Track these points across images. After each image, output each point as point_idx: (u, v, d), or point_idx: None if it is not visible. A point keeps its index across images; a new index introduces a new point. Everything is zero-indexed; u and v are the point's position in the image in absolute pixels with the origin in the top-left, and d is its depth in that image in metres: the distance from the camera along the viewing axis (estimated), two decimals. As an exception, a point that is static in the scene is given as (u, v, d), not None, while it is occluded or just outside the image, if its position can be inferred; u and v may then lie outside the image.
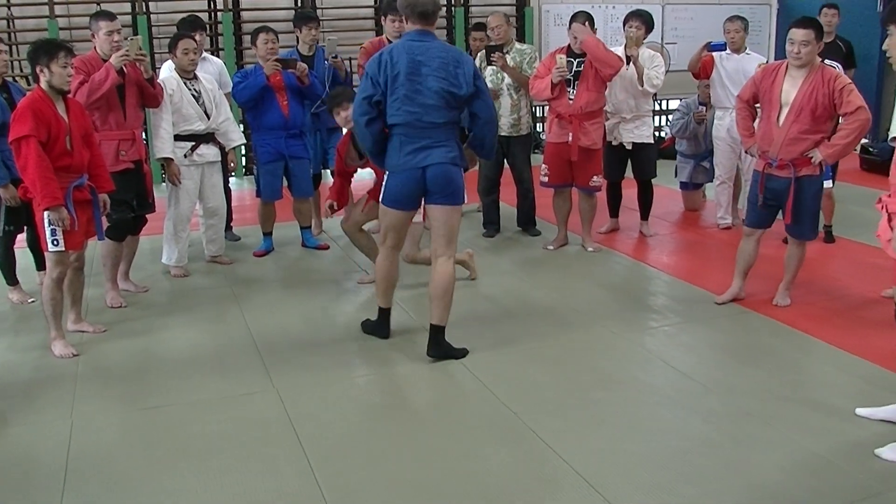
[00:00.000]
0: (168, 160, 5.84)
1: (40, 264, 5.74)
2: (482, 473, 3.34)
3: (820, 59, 4.90)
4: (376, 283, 4.76)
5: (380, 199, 4.54)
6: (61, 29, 9.05)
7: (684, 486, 3.21)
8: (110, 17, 5.37)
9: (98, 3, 9.14)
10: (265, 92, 6.30)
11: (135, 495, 3.25)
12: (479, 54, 6.93)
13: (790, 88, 4.84)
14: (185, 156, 5.93)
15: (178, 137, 5.90)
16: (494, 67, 6.66)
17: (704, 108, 7.37)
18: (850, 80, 4.82)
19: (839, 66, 6.40)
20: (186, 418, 3.88)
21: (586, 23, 6.19)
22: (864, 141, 10.19)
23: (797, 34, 4.75)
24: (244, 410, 3.95)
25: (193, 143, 5.97)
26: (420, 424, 3.81)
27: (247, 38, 9.67)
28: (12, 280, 5.61)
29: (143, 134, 5.83)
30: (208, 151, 6.07)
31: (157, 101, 5.62)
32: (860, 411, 3.74)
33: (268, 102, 6.36)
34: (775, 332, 4.82)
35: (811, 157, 4.84)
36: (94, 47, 5.33)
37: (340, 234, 7.10)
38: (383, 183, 4.51)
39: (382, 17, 6.98)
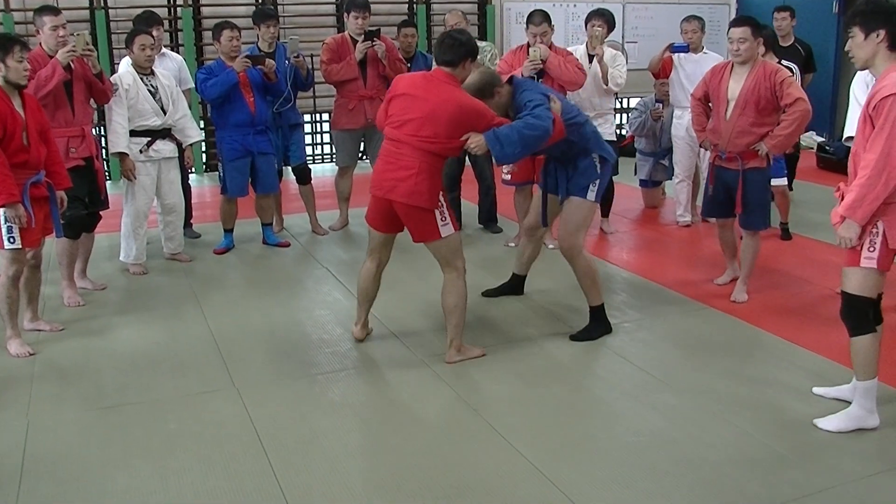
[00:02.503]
0: (123, 155, 5.79)
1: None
2: (441, 470, 3.35)
3: (777, 60, 5.06)
4: None
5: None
6: (17, 23, 8.91)
7: (641, 481, 3.25)
8: (55, 11, 5.29)
9: (55, -2, 9.01)
10: (232, 89, 6.27)
11: (92, 495, 3.22)
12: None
13: (735, 85, 5.15)
14: (141, 151, 5.88)
15: (133, 133, 5.84)
16: None
17: (661, 105, 7.45)
18: (792, 75, 5.12)
19: (796, 68, 6.52)
20: (144, 417, 3.85)
21: (544, 23, 6.21)
22: (820, 140, 10.37)
23: (735, 32, 5.10)
24: (203, 409, 3.93)
25: (149, 139, 5.92)
26: (379, 422, 3.81)
27: (207, 35, 9.63)
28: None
29: (95, 130, 5.75)
30: (164, 147, 6.02)
31: (107, 97, 5.56)
32: (816, 390, 3.96)
33: (234, 100, 6.33)
34: (732, 327, 4.89)
35: (757, 150, 5.10)
36: (40, 43, 5.26)
37: (302, 231, 7.11)
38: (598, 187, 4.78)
39: (345, 14, 6.96)
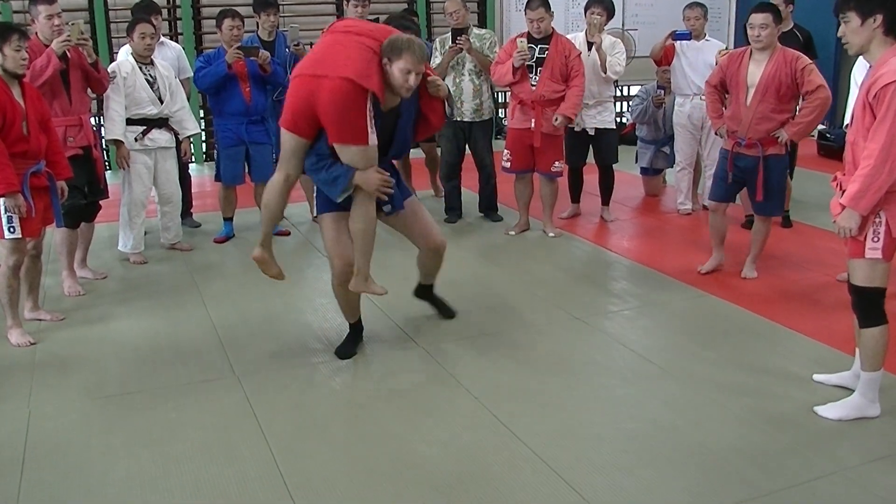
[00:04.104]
0: (118, 143, 5.79)
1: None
2: (441, 457, 3.36)
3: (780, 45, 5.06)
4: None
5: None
6: (15, 12, 8.89)
7: (641, 468, 3.26)
8: (49, 1, 5.27)
9: (54, -14, 8.97)
10: (227, 79, 6.26)
11: (93, 483, 3.23)
12: (438, 38, 6.92)
13: (755, 70, 5.13)
14: (136, 139, 5.88)
15: (130, 121, 5.85)
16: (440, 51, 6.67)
17: (663, 91, 7.43)
18: (812, 63, 5.09)
19: (797, 54, 6.49)
20: (145, 406, 3.86)
21: (540, 8, 6.20)
22: (821, 127, 10.34)
23: (756, 18, 5.06)
24: (204, 397, 3.93)
25: (145, 128, 5.91)
26: (380, 409, 3.81)
27: (206, 23, 9.62)
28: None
29: (93, 120, 5.73)
30: (160, 137, 6.02)
31: (103, 86, 5.55)
32: (817, 377, 3.95)
33: (230, 89, 6.32)
34: (732, 315, 4.89)
35: (777, 137, 5.11)
36: (35, 33, 5.24)
37: (302, 220, 7.11)
38: None
39: (345, 2, 6.94)
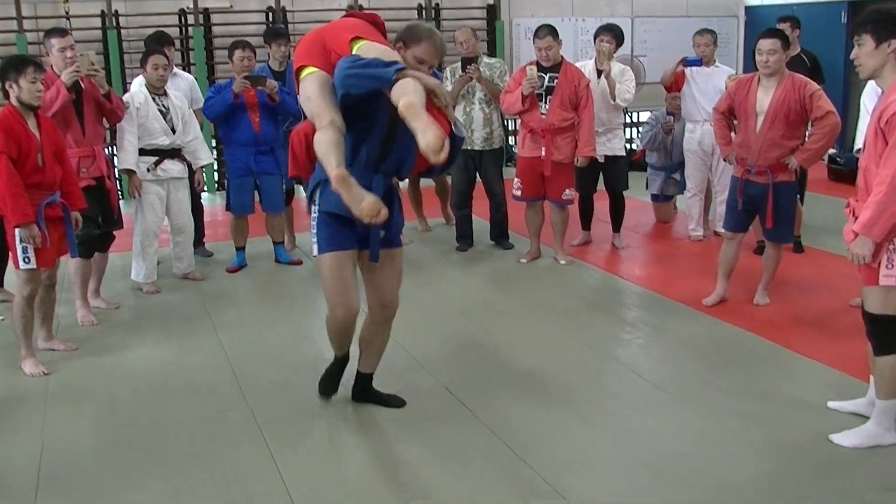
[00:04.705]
0: (130, 172, 5.83)
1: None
2: (455, 487, 3.34)
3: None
4: None
5: None
6: (30, 44, 8.99)
7: (657, 498, 3.24)
8: (62, 33, 5.34)
9: (67, 17, 9.09)
10: (236, 108, 6.30)
11: (107, 515, 3.23)
12: (448, 67, 6.96)
13: (763, 97, 5.09)
14: (148, 170, 5.92)
15: (142, 151, 5.89)
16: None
17: (672, 118, 7.44)
18: (820, 88, 5.07)
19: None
20: (158, 436, 3.85)
21: (548, 36, 6.24)
22: (831, 151, 10.34)
23: (764, 44, 5.02)
24: (216, 427, 3.93)
25: (157, 158, 5.95)
26: (392, 438, 3.80)
27: (218, 53, 9.69)
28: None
29: (107, 150, 5.78)
30: (173, 167, 6.06)
31: (117, 116, 5.59)
32: (831, 404, 3.92)
33: (239, 118, 6.37)
34: (745, 342, 4.87)
35: (787, 164, 5.08)
36: (51, 65, 5.29)
37: (313, 248, 7.11)
38: None
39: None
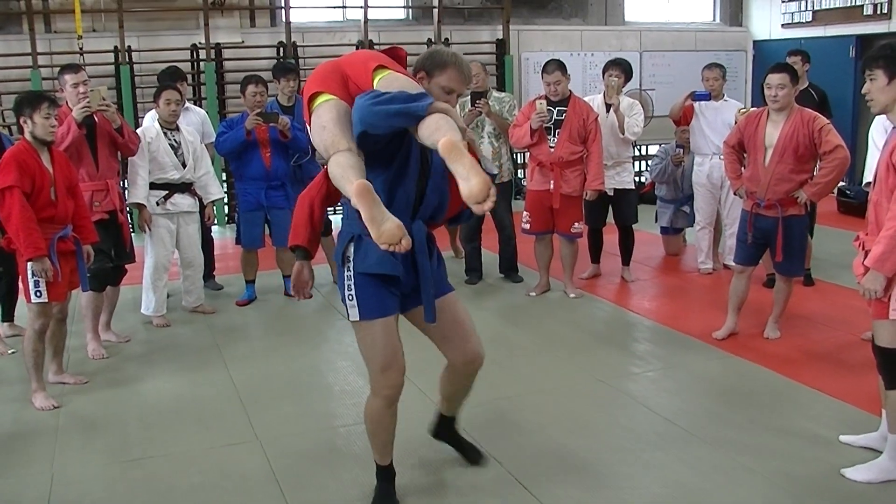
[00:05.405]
0: (141, 206, 5.87)
1: (6, 315, 5.74)
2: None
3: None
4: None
5: None
6: (44, 79, 9.09)
7: (669, 533, 3.22)
8: (75, 69, 5.40)
9: (81, 53, 9.20)
10: (248, 144, 6.35)
11: (116, 550, 3.22)
12: (459, 101, 6.99)
13: (773, 131, 5.11)
14: (158, 203, 5.96)
15: (153, 186, 5.94)
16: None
17: (682, 150, 7.47)
18: (829, 123, 5.07)
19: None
20: (168, 470, 3.85)
21: (557, 71, 6.29)
22: (840, 184, 10.34)
23: (773, 79, 5.04)
24: (227, 461, 3.93)
25: (167, 192, 6.00)
26: (401, 474, 3.76)
27: (229, 88, 9.77)
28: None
29: (120, 183, 5.82)
30: (183, 201, 6.10)
31: (131, 150, 5.63)
32: (844, 438, 3.90)
33: (250, 154, 6.42)
34: (757, 376, 4.85)
35: (797, 197, 5.09)
36: (65, 101, 5.35)
37: (324, 282, 7.12)
38: None
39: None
